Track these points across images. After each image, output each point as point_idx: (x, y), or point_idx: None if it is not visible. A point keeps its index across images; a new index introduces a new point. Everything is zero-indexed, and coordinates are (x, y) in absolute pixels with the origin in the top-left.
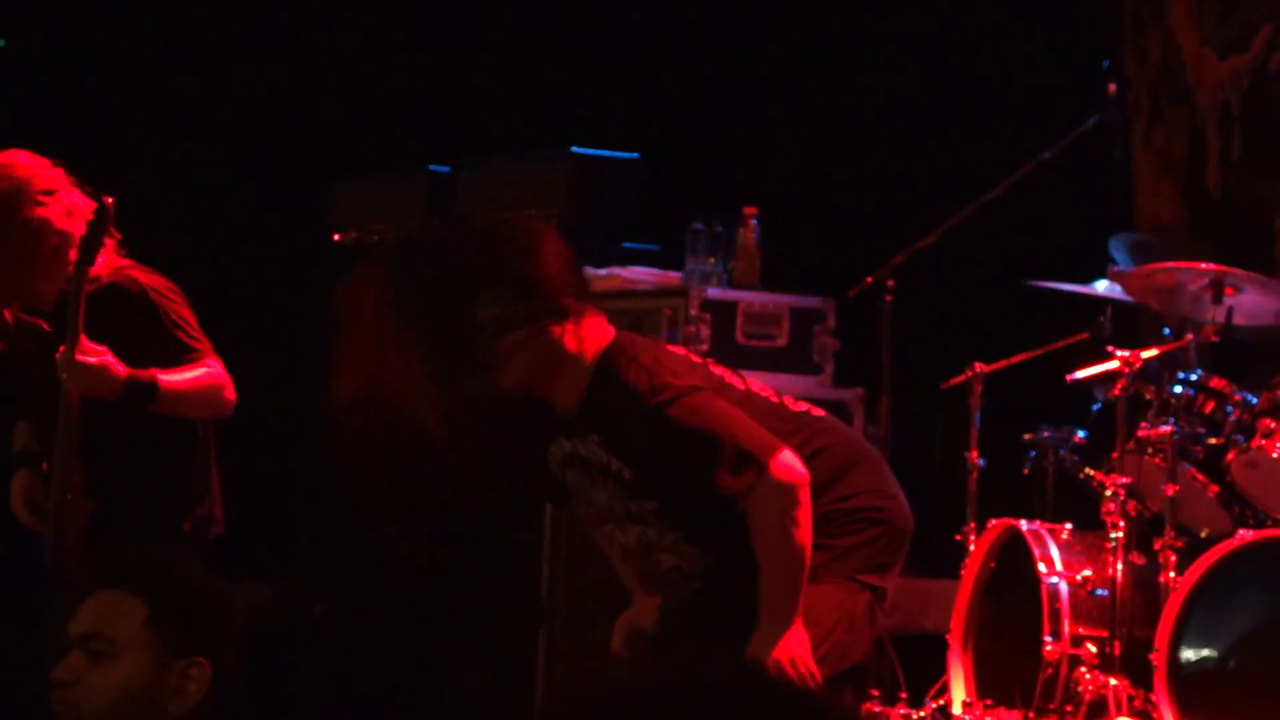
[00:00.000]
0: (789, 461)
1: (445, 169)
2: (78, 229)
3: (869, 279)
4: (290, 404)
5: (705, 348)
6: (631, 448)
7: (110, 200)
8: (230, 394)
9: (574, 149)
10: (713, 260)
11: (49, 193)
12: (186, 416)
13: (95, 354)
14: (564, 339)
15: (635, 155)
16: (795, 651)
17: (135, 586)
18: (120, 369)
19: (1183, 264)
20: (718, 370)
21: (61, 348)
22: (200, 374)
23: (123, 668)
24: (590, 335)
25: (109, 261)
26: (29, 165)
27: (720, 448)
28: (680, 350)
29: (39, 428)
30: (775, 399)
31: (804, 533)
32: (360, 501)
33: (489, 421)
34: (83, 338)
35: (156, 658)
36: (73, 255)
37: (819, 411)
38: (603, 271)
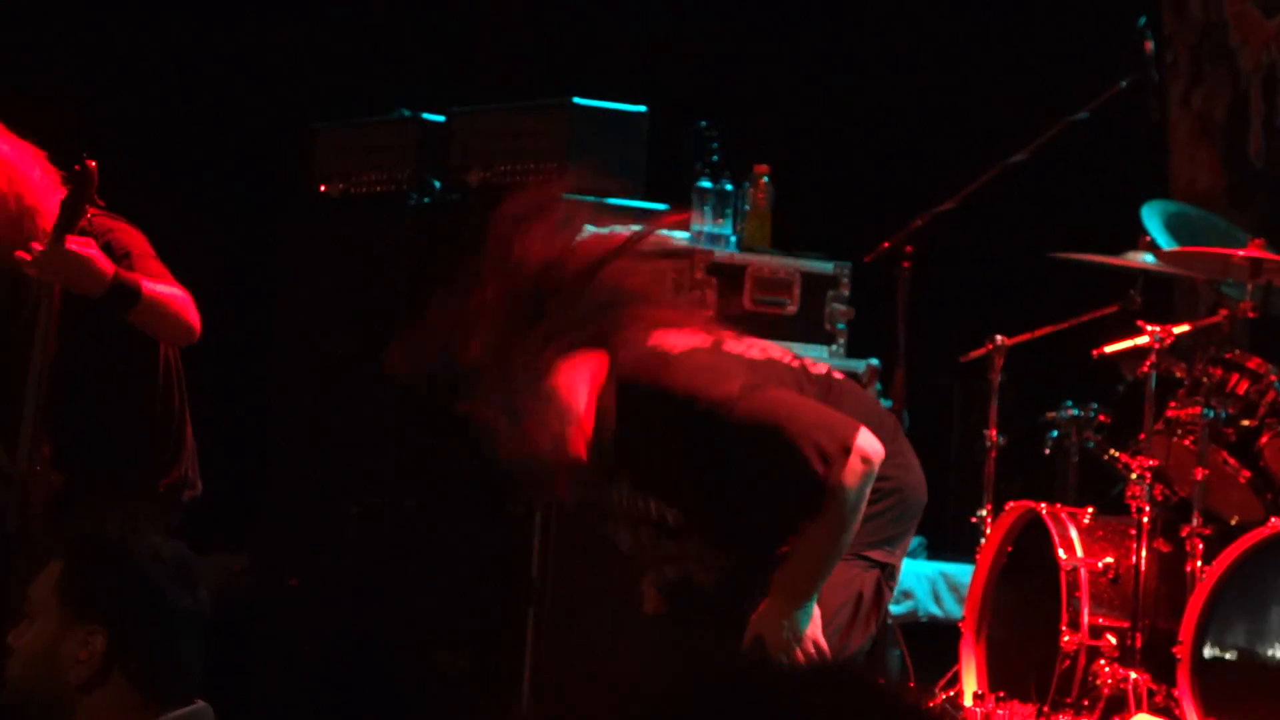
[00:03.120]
0: (869, 440)
1: (438, 117)
2: (43, 198)
3: (886, 244)
4: (271, 366)
5: (710, 314)
6: (683, 488)
7: (93, 164)
8: (198, 320)
9: (576, 100)
10: (720, 221)
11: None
12: (159, 334)
13: (81, 245)
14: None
15: (641, 108)
16: (807, 628)
17: (61, 548)
18: (107, 264)
19: (1221, 250)
20: (733, 345)
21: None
22: (175, 292)
23: (34, 631)
24: (583, 377)
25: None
26: None
27: (801, 444)
28: (690, 333)
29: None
30: (795, 363)
31: (860, 514)
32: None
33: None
34: (68, 236)
35: (61, 623)
36: (41, 223)
37: (839, 375)
38: (603, 230)
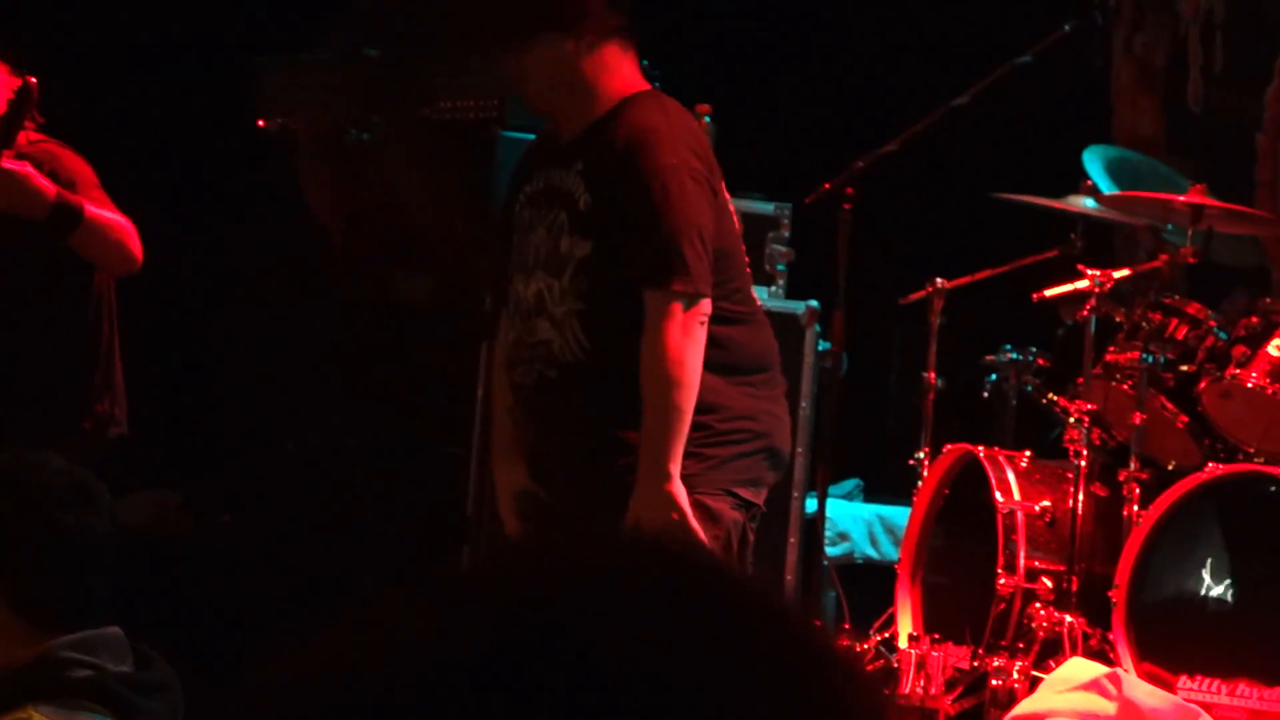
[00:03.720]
0: (705, 308)
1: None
2: None
3: (826, 185)
4: (208, 302)
5: None
6: (604, 180)
7: (34, 80)
8: (139, 249)
9: None
10: None
11: None
12: (100, 259)
13: (20, 167)
14: (581, 63)
15: None
16: (677, 509)
17: None
18: (49, 185)
19: (1162, 195)
20: (720, 182)
21: None
22: (117, 218)
23: None
24: (619, 74)
25: (23, 136)
26: None
27: (671, 233)
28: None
29: None
30: (746, 258)
31: (695, 371)
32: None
33: (421, 328)
34: (6, 152)
35: None
36: None
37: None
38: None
